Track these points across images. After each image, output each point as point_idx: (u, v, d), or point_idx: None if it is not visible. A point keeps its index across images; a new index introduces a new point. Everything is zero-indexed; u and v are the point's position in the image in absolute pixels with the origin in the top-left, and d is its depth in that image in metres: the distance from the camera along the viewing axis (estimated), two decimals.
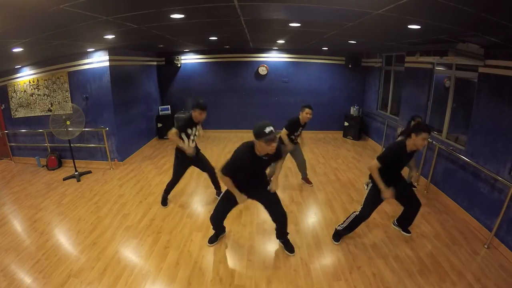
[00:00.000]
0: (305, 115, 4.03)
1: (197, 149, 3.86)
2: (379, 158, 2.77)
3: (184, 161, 3.78)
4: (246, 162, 2.49)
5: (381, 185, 2.79)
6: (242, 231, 3.45)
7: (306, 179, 4.76)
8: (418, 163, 4.73)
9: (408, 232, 3.38)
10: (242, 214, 3.81)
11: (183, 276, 2.75)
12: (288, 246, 3.09)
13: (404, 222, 3.37)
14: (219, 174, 2.63)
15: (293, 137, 4.20)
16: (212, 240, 3.22)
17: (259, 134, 2.30)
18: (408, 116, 4.44)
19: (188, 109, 7.85)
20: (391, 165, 2.84)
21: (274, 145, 2.36)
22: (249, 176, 2.67)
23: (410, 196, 3.14)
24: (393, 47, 5.15)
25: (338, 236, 3.25)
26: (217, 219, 3.09)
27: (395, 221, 3.48)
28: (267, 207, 2.97)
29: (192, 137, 3.66)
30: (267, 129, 2.27)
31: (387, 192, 2.80)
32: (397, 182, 2.97)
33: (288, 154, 4.42)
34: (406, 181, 3.29)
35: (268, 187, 2.85)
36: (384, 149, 2.97)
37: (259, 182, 2.85)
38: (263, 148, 2.38)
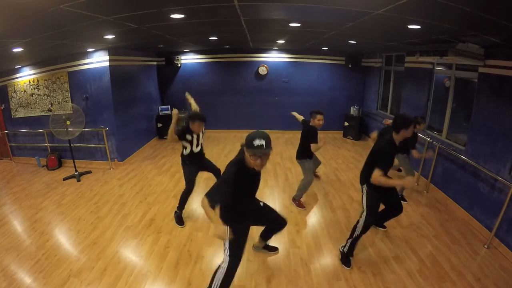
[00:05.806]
0: (317, 122, 3.73)
1: (202, 154, 3.63)
2: (380, 166, 2.59)
3: (192, 166, 3.57)
4: (241, 181, 2.09)
5: (397, 182, 2.78)
6: None
7: (297, 201, 4.09)
8: (418, 163, 4.73)
9: (384, 227, 3.44)
10: None
11: (183, 276, 2.75)
12: (270, 248, 3.10)
13: (381, 219, 3.27)
14: (203, 202, 2.05)
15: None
16: None
17: (247, 144, 1.98)
18: None
19: (188, 109, 7.84)
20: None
21: (259, 162, 2.00)
22: (247, 194, 2.34)
23: (394, 201, 3.05)
24: (393, 47, 5.15)
25: (346, 258, 2.90)
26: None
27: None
28: (267, 221, 2.72)
29: (194, 142, 3.45)
30: (256, 142, 1.93)
31: (408, 182, 2.72)
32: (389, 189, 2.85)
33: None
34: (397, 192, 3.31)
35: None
36: (374, 152, 2.86)
37: (253, 195, 2.46)
38: (249, 162, 2.04)
